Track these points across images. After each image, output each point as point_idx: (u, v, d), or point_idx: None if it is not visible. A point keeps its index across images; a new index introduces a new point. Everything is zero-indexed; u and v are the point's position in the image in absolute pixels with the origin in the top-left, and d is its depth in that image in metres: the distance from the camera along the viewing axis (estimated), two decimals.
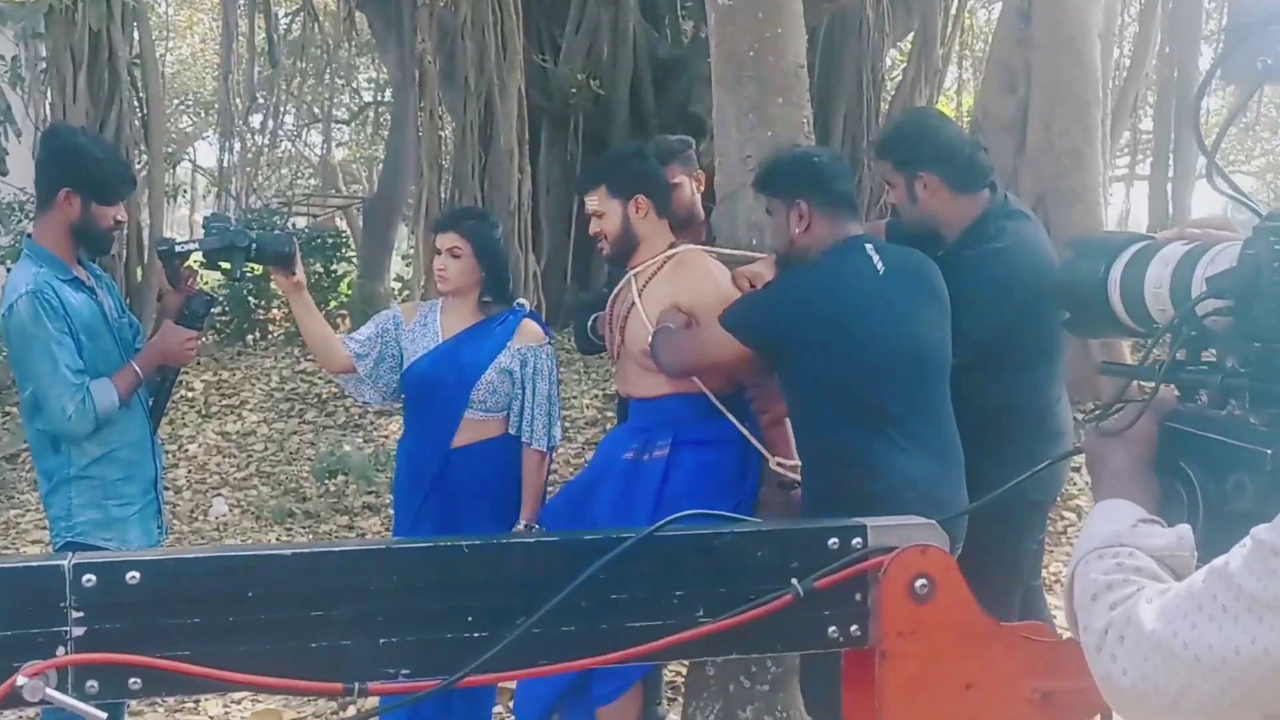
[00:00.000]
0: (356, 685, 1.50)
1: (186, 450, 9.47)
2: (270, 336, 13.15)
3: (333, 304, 14.25)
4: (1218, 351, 1.43)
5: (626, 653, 1.62)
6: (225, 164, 20.34)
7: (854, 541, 1.72)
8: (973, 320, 3.42)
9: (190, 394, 10.69)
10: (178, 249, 3.64)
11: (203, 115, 27.29)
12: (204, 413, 10.39)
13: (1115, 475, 1.46)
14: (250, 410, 10.49)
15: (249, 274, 3.85)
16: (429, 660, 1.57)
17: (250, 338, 12.91)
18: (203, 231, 3.68)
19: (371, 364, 3.99)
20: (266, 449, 9.58)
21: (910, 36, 16.01)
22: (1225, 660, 1.13)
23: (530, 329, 4.02)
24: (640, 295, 3.65)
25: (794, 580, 1.68)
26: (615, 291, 3.80)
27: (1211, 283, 1.39)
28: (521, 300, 4.16)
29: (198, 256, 3.68)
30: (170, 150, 24.19)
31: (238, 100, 17.26)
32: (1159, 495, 1.43)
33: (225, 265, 3.60)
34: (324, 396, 10.67)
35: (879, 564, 1.68)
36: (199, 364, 11.60)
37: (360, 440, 9.64)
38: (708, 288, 3.58)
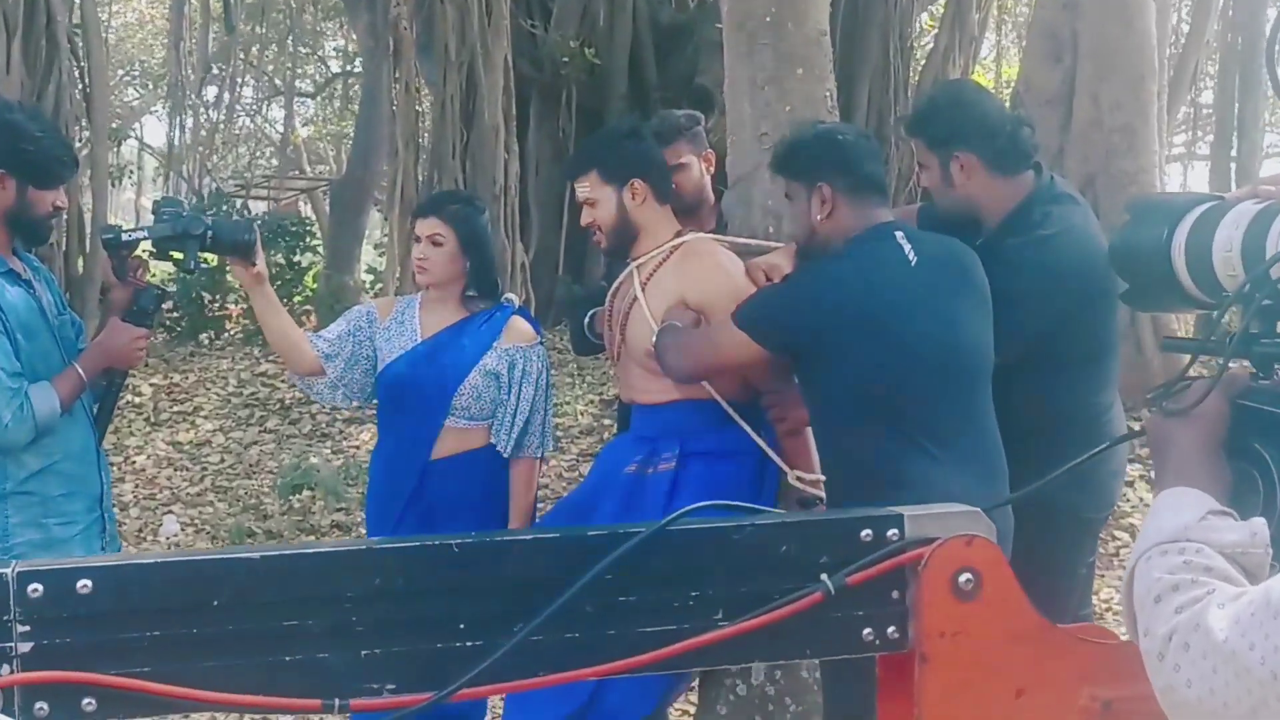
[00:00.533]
0: (336, 701, 1.51)
1: (134, 462, 9.47)
2: (227, 335, 13.17)
3: (297, 299, 14.27)
4: None
5: (637, 659, 1.61)
6: (176, 142, 20.40)
7: (889, 533, 1.72)
8: (1016, 316, 3.42)
9: (138, 399, 10.69)
10: (125, 237, 3.63)
11: (151, 87, 27.33)
12: (153, 420, 10.39)
13: (1181, 459, 1.46)
14: (205, 417, 10.50)
15: (204, 265, 3.84)
16: (417, 673, 1.57)
17: (204, 336, 12.93)
18: (152, 217, 3.68)
19: (342, 366, 4.00)
20: (223, 461, 9.58)
21: (943, 0, 16.03)
22: None
23: (519, 327, 4.03)
24: (643, 289, 3.65)
25: (824, 576, 1.67)
26: (615, 285, 3.80)
27: None
28: (510, 295, 4.17)
29: (147, 245, 3.69)
30: (115, 126, 24.23)
31: (189, 71, 17.28)
32: (1231, 481, 1.43)
33: (178, 255, 3.60)
34: (287, 402, 10.69)
35: (918, 557, 1.67)
36: (147, 366, 11.60)
37: (328, 451, 9.65)
38: (719, 281, 3.59)
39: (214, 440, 10.01)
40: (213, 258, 4.09)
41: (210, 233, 3.61)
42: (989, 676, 1.66)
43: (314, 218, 21.65)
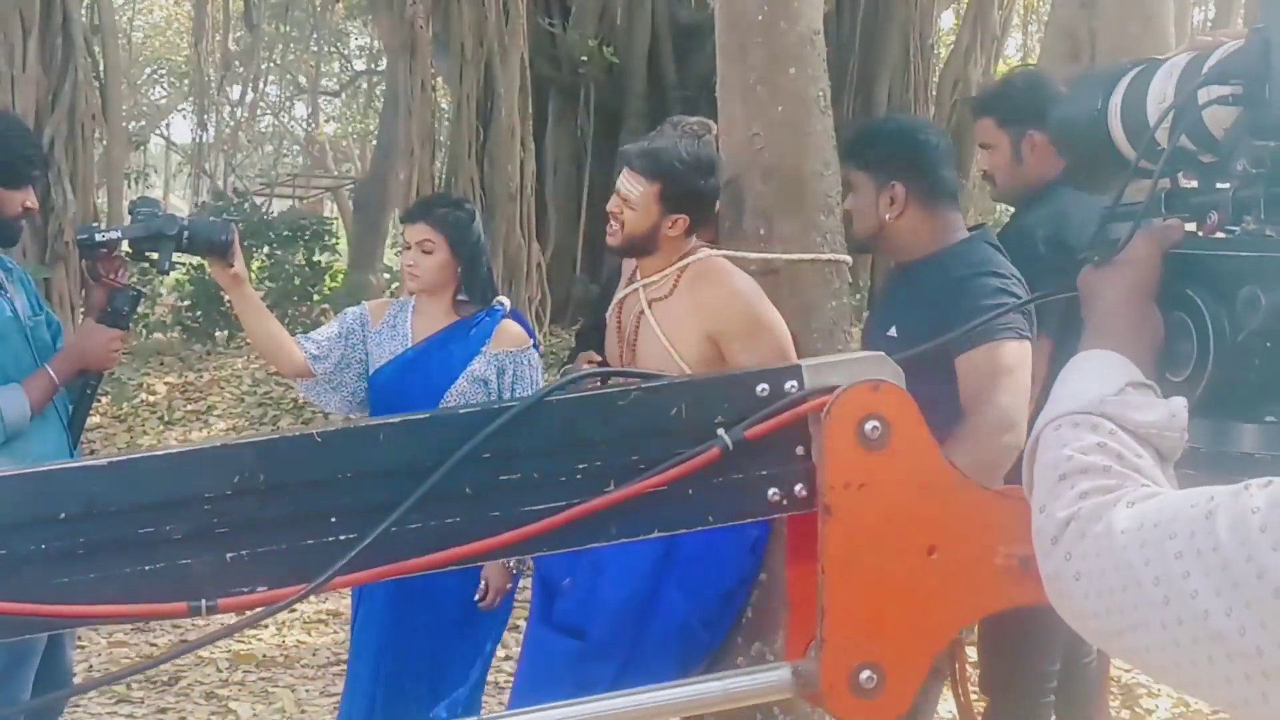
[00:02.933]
0: (203, 603, 1.43)
1: None
2: (242, 334, 13.13)
3: (316, 298, 14.22)
4: (1225, 154, 1.37)
5: (520, 531, 1.52)
6: (200, 139, 20.46)
7: (788, 385, 1.60)
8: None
9: (152, 398, 10.69)
10: (98, 238, 3.57)
11: (177, 85, 27.40)
12: (166, 419, 10.39)
13: (1107, 313, 1.39)
14: (219, 416, 10.49)
15: (178, 265, 3.79)
16: (288, 571, 1.48)
17: (220, 334, 12.89)
18: (129, 218, 3.63)
19: (331, 367, 3.92)
20: None
21: None
22: (1198, 619, 1.04)
23: (510, 331, 3.96)
24: (650, 306, 3.51)
25: (720, 431, 1.57)
26: (620, 298, 3.67)
27: (1214, 68, 1.34)
28: (502, 299, 4.09)
29: (125, 245, 3.63)
30: (140, 125, 24.27)
31: (211, 71, 17.30)
32: (1162, 333, 1.37)
33: (153, 255, 3.54)
34: (300, 402, 10.66)
35: (820, 405, 1.56)
36: (162, 365, 11.62)
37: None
38: (734, 310, 3.43)
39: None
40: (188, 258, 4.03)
41: (186, 233, 3.54)
42: (899, 532, 1.55)
43: (338, 217, 21.66)
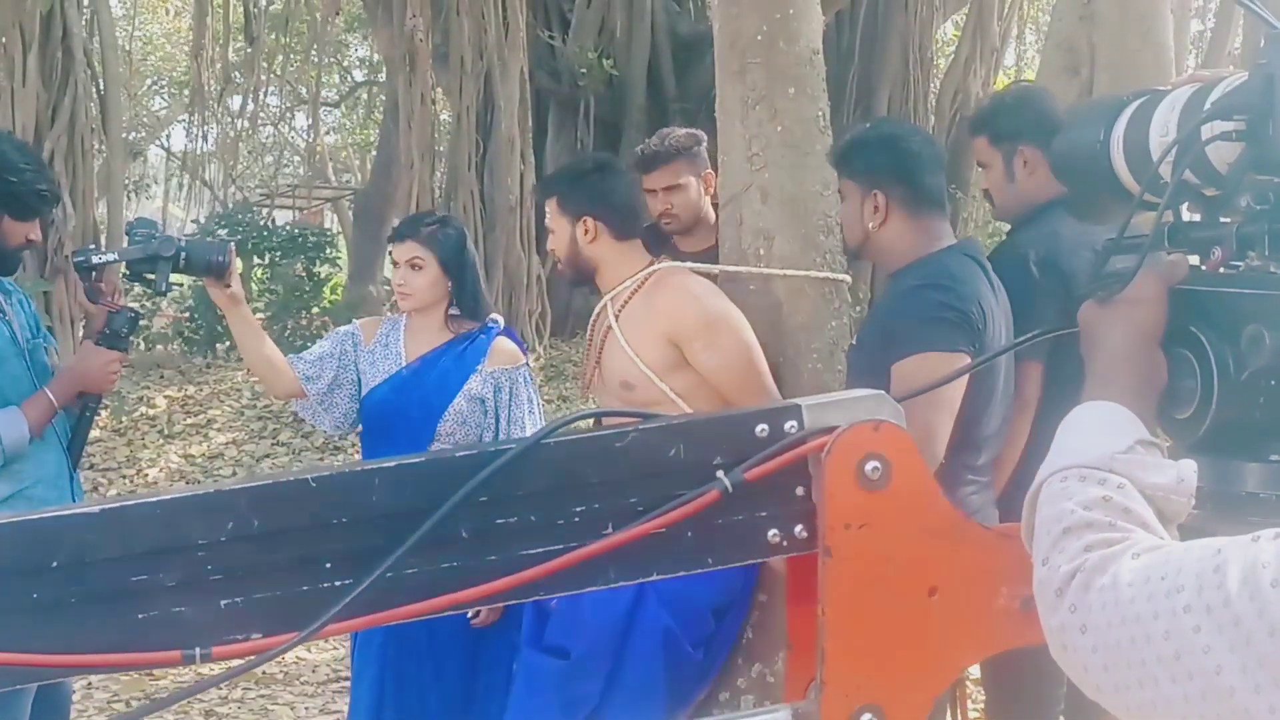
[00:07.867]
0: (197, 651, 1.41)
1: (146, 475, 9.46)
2: None
3: (315, 309, 14.20)
4: (1229, 188, 1.35)
5: (517, 577, 1.50)
6: (199, 150, 20.44)
7: (788, 425, 1.59)
8: (1035, 314, 3.27)
9: (151, 411, 10.68)
10: (95, 259, 3.58)
11: (177, 95, 27.39)
12: (166, 432, 10.37)
13: (1111, 358, 1.35)
14: (218, 430, 10.47)
15: (176, 286, 3.78)
16: (283, 618, 1.46)
17: (219, 347, 12.87)
18: (126, 239, 3.63)
19: (324, 388, 3.91)
20: (235, 473, 9.56)
21: (965, 9, 15.90)
22: (1209, 674, 1.02)
23: (505, 348, 3.95)
24: (617, 320, 3.57)
25: (720, 474, 1.56)
26: (592, 318, 3.73)
27: (1217, 104, 1.33)
28: (495, 316, 4.08)
29: (122, 268, 3.63)
30: (140, 135, 24.28)
31: (211, 81, 17.30)
32: (1166, 377, 1.35)
33: (150, 276, 3.54)
34: (300, 415, 10.63)
35: (820, 446, 1.54)
36: (162, 377, 11.60)
37: (341, 464, 9.60)
38: (691, 310, 3.48)
39: (226, 453, 9.98)
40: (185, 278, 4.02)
41: (183, 254, 3.54)
42: (899, 573, 1.53)
43: (340, 228, 21.63)
